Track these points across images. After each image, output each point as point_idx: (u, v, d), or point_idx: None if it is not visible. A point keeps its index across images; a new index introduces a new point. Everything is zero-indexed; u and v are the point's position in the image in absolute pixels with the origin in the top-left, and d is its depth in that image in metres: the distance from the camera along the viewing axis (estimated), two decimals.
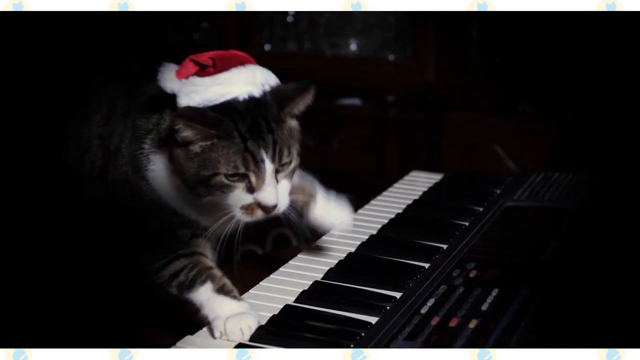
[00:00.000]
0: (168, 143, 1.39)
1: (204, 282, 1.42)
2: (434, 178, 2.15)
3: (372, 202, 1.95)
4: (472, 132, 3.33)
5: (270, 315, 1.39)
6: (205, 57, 1.38)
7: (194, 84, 1.37)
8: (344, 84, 3.40)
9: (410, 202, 1.95)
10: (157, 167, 1.42)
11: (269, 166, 1.34)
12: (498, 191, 2.00)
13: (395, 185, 2.08)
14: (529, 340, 1.28)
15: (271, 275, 1.56)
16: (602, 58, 2.95)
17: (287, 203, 1.39)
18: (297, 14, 3.51)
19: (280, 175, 1.38)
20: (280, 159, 1.36)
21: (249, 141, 1.33)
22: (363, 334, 1.33)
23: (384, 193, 2.02)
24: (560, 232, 1.69)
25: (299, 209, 1.51)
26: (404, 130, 3.36)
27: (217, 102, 1.36)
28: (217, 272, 1.44)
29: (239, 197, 1.35)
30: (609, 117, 2.93)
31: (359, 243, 1.69)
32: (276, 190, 1.36)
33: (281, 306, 1.42)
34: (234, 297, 1.41)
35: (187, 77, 1.37)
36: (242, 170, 1.33)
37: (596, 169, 2.12)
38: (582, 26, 2.90)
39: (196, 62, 1.37)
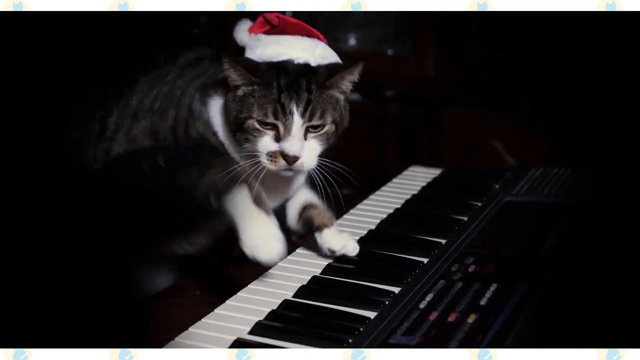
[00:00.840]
0: (226, 87, 1.52)
1: (241, 187, 1.45)
2: (433, 173, 2.15)
3: (371, 197, 1.95)
4: (471, 128, 3.33)
5: (269, 310, 1.39)
6: (273, 16, 1.53)
7: (259, 39, 1.52)
8: None
9: (409, 197, 1.95)
10: (217, 102, 1.54)
11: (297, 120, 1.46)
12: (497, 186, 2.00)
13: (394, 180, 2.08)
14: (527, 336, 1.28)
15: (270, 270, 1.56)
16: (601, 55, 2.95)
17: (313, 163, 1.49)
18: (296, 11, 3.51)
19: (310, 135, 1.48)
20: (310, 117, 1.47)
21: (283, 93, 1.45)
22: (361, 329, 1.33)
23: (383, 188, 2.02)
24: (559, 227, 1.69)
25: (313, 227, 1.59)
26: (403, 125, 3.36)
27: (274, 59, 1.49)
28: (254, 182, 1.47)
29: (266, 143, 1.46)
30: (608, 113, 2.93)
31: (357, 238, 1.69)
32: (301, 144, 1.46)
33: (280, 301, 1.42)
34: (266, 213, 1.44)
35: (256, 33, 1.53)
36: (271, 118, 1.45)
37: (596, 165, 2.12)
38: (581, 22, 2.90)
39: (266, 19, 1.53)
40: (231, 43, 3.70)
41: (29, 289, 1.54)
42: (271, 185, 1.54)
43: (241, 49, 1.54)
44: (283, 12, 3.53)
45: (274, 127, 1.46)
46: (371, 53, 3.45)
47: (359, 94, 3.51)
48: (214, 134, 1.55)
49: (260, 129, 1.47)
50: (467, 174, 2.15)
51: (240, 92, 1.48)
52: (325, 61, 1.53)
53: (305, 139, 1.48)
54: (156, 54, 1.67)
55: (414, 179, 2.09)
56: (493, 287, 1.42)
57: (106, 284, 1.59)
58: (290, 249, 1.64)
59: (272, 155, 1.46)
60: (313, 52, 1.53)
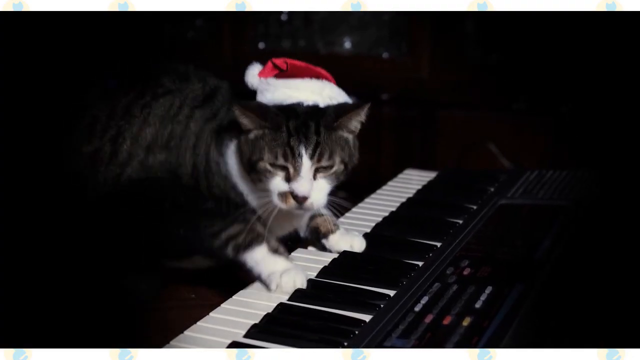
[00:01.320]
0: (239, 130, 1.56)
1: (260, 243, 1.55)
2: (428, 176, 2.15)
3: (366, 200, 1.96)
4: (467, 129, 3.34)
5: (265, 313, 1.39)
6: (281, 61, 1.57)
7: (268, 84, 1.57)
8: (338, 82, 3.39)
9: (404, 200, 1.96)
10: (232, 150, 1.58)
11: (306, 162, 1.50)
12: (492, 189, 2.00)
13: (390, 183, 2.08)
14: (522, 338, 1.28)
15: None
16: (598, 56, 2.96)
17: (323, 201, 1.54)
18: (291, 13, 3.51)
19: (319, 175, 1.52)
20: (319, 159, 1.51)
21: (292, 137, 1.50)
22: (357, 332, 1.33)
23: (378, 191, 2.02)
24: (554, 229, 1.69)
25: (320, 234, 1.67)
26: (399, 127, 3.37)
27: (284, 102, 1.55)
28: (271, 239, 1.57)
29: (277, 184, 1.52)
30: (604, 115, 2.93)
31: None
32: (310, 185, 1.51)
33: (275, 304, 1.43)
34: (286, 258, 1.55)
35: (266, 77, 1.58)
36: (281, 161, 1.50)
37: (591, 166, 2.12)
38: (577, 23, 2.91)
39: (274, 64, 1.57)
40: (227, 45, 3.69)
41: (29, 290, 1.54)
42: (284, 218, 1.61)
43: (252, 93, 1.59)
44: (281, 12, 3.53)
45: (284, 169, 1.51)
46: (367, 56, 3.46)
47: (354, 96, 3.53)
48: (233, 187, 1.59)
49: (271, 170, 1.51)
50: (462, 176, 2.16)
51: (251, 136, 1.53)
52: (334, 101, 1.57)
53: (315, 179, 1.52)
54: (163, 72, 1.67)
55: (409, 182, 2.10)
56: (488, 289, 1.42)
57: (106, 285, 1.60)
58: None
59: (282, 195, 1.51)
60: (321, 93, 1.57)
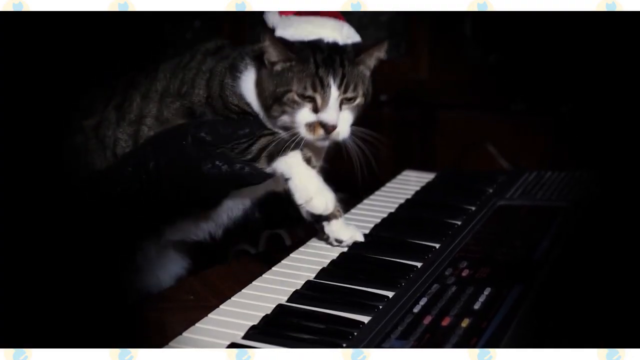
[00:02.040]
0: (258, 64, 1.60)
1: (293, 149, 1.58)
2: (427, 177, 2.15)
3: (365, 201, 1.96)
4: (466, 130, 3.34)
5: (263, 314, 1.39)
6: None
7: (290, 20, 1.60)
8: None
9: (402, 201, 1.95)
10: (248, 77, 1.61)
11: (334, 92, 1.55)
12: (491, 190, 2.00)
13: (388, 184, 2.08)
14: (521, 339, 1.28)
15: (264, 275, 1.56)
16: (597, 57, 2.96)
17: (347, 133, 1.58)
18: None
19: (344, 107, 1.57)
20: (345, 90, 1.56)
21: (320, 68, 1.55)
22: (355, 333, 1.33)
23: (377, 192, 2.02)
24: (552, 230, 1.69)
25: (322, 217, 1.66)
26: (397, 128, 3.37)
27: (306, 38, 1.58)
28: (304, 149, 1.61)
29: (305, 115, 1.55)
30: (603, 115, 2.93)
31: (351, 243, 1.69)
32: (337, 115, 1.56)
33: (274, 306, 1.42)
34: (318, 175, 1.62)
35: (287, 15, 1.61)
36: (310, 92, 1.54)
37: (590, 167, 2.12)
38: (577, 23, 2.90)
39: None
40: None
41: (29, 290, 1.54)
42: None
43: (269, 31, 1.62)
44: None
45: (312, 100, 1.55)
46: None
47: None
48: (248, 104, 1.62)
49: (299, 101, 1.55)
50: (461, 177, 2.16)
51: (278, 68, 1.56)
52: (350, 40, 1.62)
53: (340, 109, 1.57)
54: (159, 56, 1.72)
55: (408, 183, 2.10)
56: (487, 291, 1.42)
57: (107, 285, 1.60)
58: (284, 254, 1.65)
59: (310, 126, 1.55)
60: (341, 31, 1.62)
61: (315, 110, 1.55)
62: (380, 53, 1.63)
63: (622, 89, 2.65)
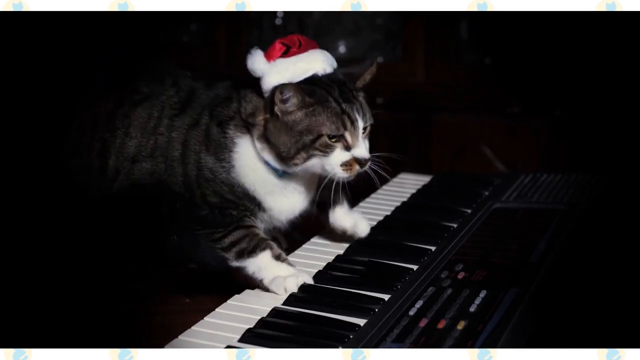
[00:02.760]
0: (253, 125, 1.55)
1: (264, 249, 1.56)
2: (423, 180, 2.15)
3: (361, 204, 1.96)
4: (461, 133, 3.34)
5: (259, 317, 1.39)
6: (289, 40, 1.57)
7: (282, 63, 1.55)
8: None
9: (398, 204, 1.96)
10: (242, 150, 1.57)
11: (360, 125, 1.54)
12: (486, 193, 2.01)
13: (384, 187, 2.08)
14: (517, 342, 1.28)
15: None
16: (592, 60, 2.96)
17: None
18: (286, 16, 3.51)
19: (363, 136, 1.56)
20: (365, 120, 1.55)
21: (343, 104, 1.52)
22: (351, 336, 1.33)
23: (373, 195, 2.02)
24: (548, 233, 1.69)
25: (329, 205, 1.66)
26: (393, 131, 3.37)
27: (302, 77, 1.54)
28: (273, 243, 1.59)
29: (339, 156, 1.53)
30: (599, 118, 2.94)
31: (347, 245, 1.69)
32: (366, 147, 1.55)
33: (270, 309, 1.42)
34: (289, 264, 1.56)
35: (274, 59, 1.55)
36: (341, 131, 1.52)
37: (585, 170, 2.12)
38: (572, 26, 2.91)
39: (284, 44, 1.56)
40: (221, 49, 3.68)
41: (29, 290, 1.54)
42: (287, 211, 1.63)
43: (253, 80, 1.57)
44: (273, 15, 3.52)
45: (341, 139, 1.52)
46: (361, 60, 3.46)
47: None
48: (245, 190, 1.58)
49: (331, 143, 1.51)
50: (457, 180, 2.16)
51: (296, 116, 1.52)
52: (334, 67, 1.60)
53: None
54: (140, 76, 1.66)
55: (404, 186, 2.10)
56: (483, 293, 1.42)
57: (107, 285, 1.60)
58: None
59: (346, 165, 1.52)
60: (327, 61, 1.59)
61: (347, 148, 1.52)
62: (372, 75, 1.62)
63: (617, 91, 2.66)
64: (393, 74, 3.40)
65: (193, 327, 1.37)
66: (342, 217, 1.67)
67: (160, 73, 1.66)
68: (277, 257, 1.56)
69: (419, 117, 3.38)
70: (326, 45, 3.42)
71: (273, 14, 3.50)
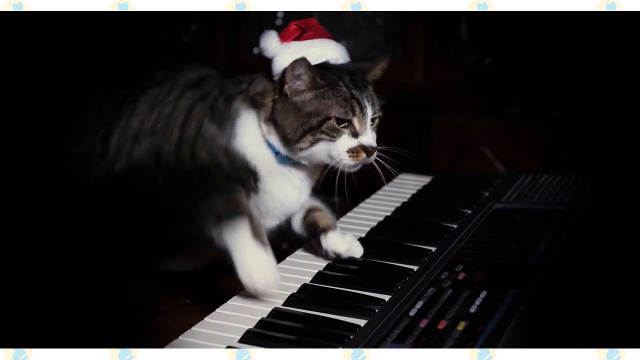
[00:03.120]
0: (261, 105, 1.54)
1: (242, 216, 1.48)
2: (423, 180, 2.15)
3: (361, 204, 1.96)
4: (461, 134, 3.34)
5: (259, 318, 1.39)
6: (305, 23, 1.59)
7: (295, 46, 1.55)
8: None
9: (399, 204, 1.96)
10: (246, 121, 1.55)
11: (369, 113, 1.53)
12: (487, 193, 2.00)
13: (384, 188, 2.08)
14: (517, 343, 1.28)
15: None
16: (592, 60, 2.96)
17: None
18: (286, 16, 3.51)
19: (372, 126, 1.55)
20: (374, 110, 1.55)
21: (353, 90, 1.52)
22: (352, 337, 1.33)
23: (373, 196, 2.02)
24: (548, 233, 1.69)
25: (319, 230, 1.62)
26: (393, 132, 3.36)
27: (315, 63, 1.52)
28: (255, 215, 1.52)
29: (346, 142, 1.51)
30: (599, 118, 2.94)
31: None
32: (374, 136, 1.54)
33: (270, 309, 1.42)
34: (263, 244, 1.47)
35: (289, 41, 1.56)
36: (350, 115, 1.50)
37: (585, 170, 2.12)
38: (571, 27, 2.91)
39: (299, 27, 1.58)
40: (221, 50, 3.67)
41: (29, 290, 1.54)
42: (280, 201, 1.60)
43: (263, 61, 1.57)
44: (273, 16, 3.53)
45: (349, 124, 1.51)
46: (361, 61, 3.45)
47: None
48: (245, 160, 1.55)
49: (339, 128, 1.50)
50: (457, 181, 2.16)
51: (305, 97, 1.51)
52: (346, 57, 1.61)
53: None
54: (155, 67, 1.66)
55: (404, 187, 2.10)
56: (483, 294, 1.42)
57: (107, 285, 1.60)
58: (281, 257, 1.65)
59: (353, 151, 1.51)
60: (340, 51, 1.60)
61: (355, 134, 1.52)
62: (384, 67, 1.62)
63: (618, 92, 2.66)
64: (393, 74, 3.39)
65: (193, 328, 1.37)
66: (337, 241, 1.62)
67: (179, 66, 1.66)
68: (255, 232, 1.47)
69: (418, 117, 3.38)
70: None
71: (273, 14, 3.50)
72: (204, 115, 1.56)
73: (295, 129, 1.51)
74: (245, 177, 1.56)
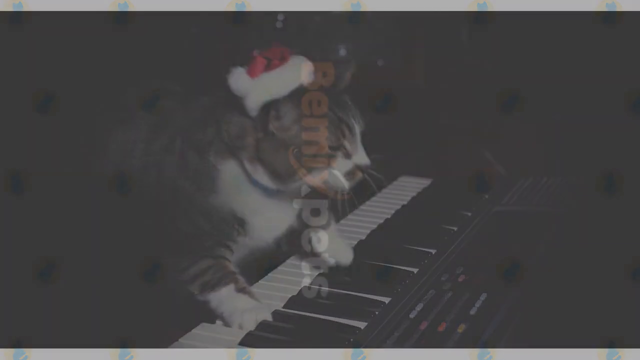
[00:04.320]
0: (242, 148, 1.47)
1: (227, 283, 1.47)
2: (423, 183, 2.15)
3: (361, 207, 1.95)
4: (461, 136, 3.34)
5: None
6: (270, 53, 1.50)
7: (268, 79, 1.47)
8: None
9: (399, 207, 1.96)
10: (227, 176, 1.50)
11: (358, 131, 1.48)
12: (487, 196, 2.00)
13: (384, 190, 2.08)
14: (517, 344, 1.28)
15: (260, 281, 1.56)
16: (591, 58, 2.96)
17: None
18: (286, 19, 3.51)
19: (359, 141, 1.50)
20: (360, 125, 1.49)
21: (339, 112, 1.47)
22: (352, 339, 1.33)
23: (373, 198, 2.02)
24: (549, 236, 1.69)
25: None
26: (393, 134, 3.36)
27: (290, 89, 1.45)
28: (239, 277, 1.49)
29: (340, 165, 1.46)
30: (598, 118, 2.94)
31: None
32: (364, 152, 1.49)
33: (270, 312, 1.42)
34: (251, 296, 1.45)
35: (258, 75, 1.47)
36: (340, 140, 1.46)
37: (584, 171, 2.12)
38: (570, 28, 2.91)
39: (265, 57, 1.50)
40: (221, 52, 3.67)
41: (29, 290, 1.54)
42: (270, 230, 1.57)
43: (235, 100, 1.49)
44: (274, 18, 3.52)
45: (340, 147, 1.46)
46: (361, 63, 3.45)
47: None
48: (224, 209, 1.51)
49: (332, 153, 1.46)
50: (457, 183, 2.16)
51: (293, 131, 1.45)
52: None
53: None
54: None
55: (404, 189, 2.10)
56: (483, 296, 1.42)
57: (107, 285, 1.60)
58: (280, 259, 1.65)
59: (349, 173, 1.47)
60: (309, 68, 1.51)
61: (348, 155, 1.47)
62: (350, 74, 1.55)
63: (618, 92, 2.65)
64: (394, 77, 3.40)
65: (193, 330, 1.37)
66: (328, 242, 1.58)
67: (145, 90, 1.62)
68: (241, 290, 1.46)
69: (418, 118, 3.38)
70: (326, 48, 3.45)
71: (273, 17, 3.50)
72: (176, 178, 1.51)
73: (288, 166, 1.46)
74: (229, 231, 1.53)
